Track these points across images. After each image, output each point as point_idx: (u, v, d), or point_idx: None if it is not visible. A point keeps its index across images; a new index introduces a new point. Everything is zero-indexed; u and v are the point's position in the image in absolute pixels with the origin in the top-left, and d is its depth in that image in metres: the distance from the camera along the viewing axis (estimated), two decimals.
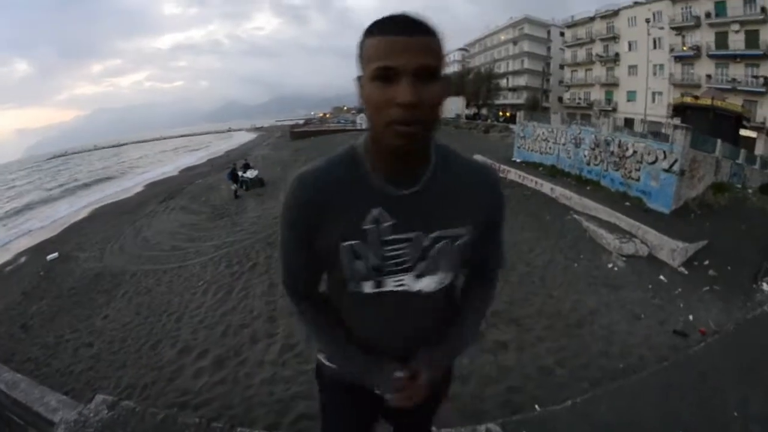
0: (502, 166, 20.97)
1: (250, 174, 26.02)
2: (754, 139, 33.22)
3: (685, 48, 40.13)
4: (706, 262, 11.23)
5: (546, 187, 17.59)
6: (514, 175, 20.02)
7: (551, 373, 7.27)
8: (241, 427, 4.99)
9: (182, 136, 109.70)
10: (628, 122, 42.28)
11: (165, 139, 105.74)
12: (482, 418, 5.60)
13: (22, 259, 21.42)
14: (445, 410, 2.03)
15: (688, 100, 29.95)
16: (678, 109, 30.48)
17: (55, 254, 19.52)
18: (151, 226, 22.10)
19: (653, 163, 14.13)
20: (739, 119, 28.13)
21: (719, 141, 15.69)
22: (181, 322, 10.56)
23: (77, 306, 13.21)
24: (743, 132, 29.63)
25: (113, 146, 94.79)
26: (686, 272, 11.14)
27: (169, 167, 52.82)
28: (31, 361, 10.21)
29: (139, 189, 38.03)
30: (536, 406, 5.93)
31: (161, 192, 31.71)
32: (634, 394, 5.09)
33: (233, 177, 24.69)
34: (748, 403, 4.73)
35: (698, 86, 37.83)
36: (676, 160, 13.31)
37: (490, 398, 6.65)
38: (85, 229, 25.58)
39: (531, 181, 18.70)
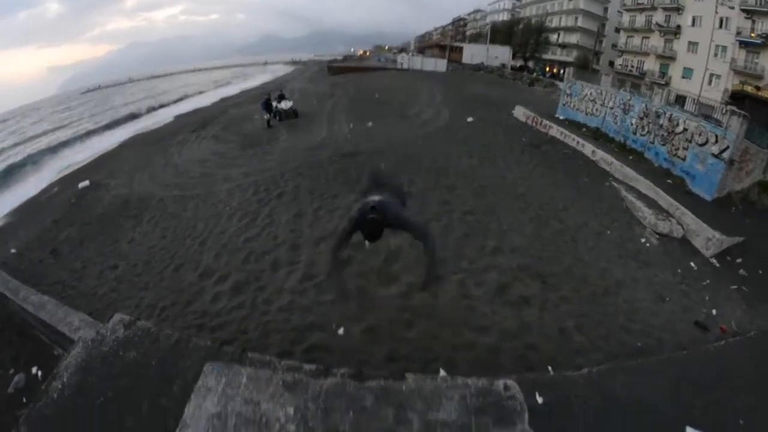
0: (544, 121, 20.46)
1: (285, 105, 25.56)
2: None
3: (753, 35, 36.35)
4: (739, 260, 10.66)
5: (588, 148, 16.99)
6: (555, 131, 19.43)
7: (570, 338, 6.98)
8: (252, 352, 4.84)
9: (217, 68, 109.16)
10: (680, 99, 38.91)
11: (200, 71, 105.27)
12: (497, 372, 5.37)
13: (56, 189, 21.87)
14: None
15: (749, 89, 27.75)
16: (736, 97, 28.32)
17: (86, 182, 19.79)
18: (182, 154, 22.16)
19: (703, 145, 13.30)
20: None
21: None
22: (204, 246, 10.47)
23: (105, 231, 13.37)
24: None
25: (147, 78, 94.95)
26: (717, 265, 10.62)
27: (202, 98, 52.55)
28: (59, 284, 10.37)
29: (171, 119, 37.95)
30: (549, 368, 5.80)
31: (193, 122, 31.59)
32: (648, 376, 5.20)
33: (267, 107, 24.28)
34: (755, 413, 4.74)
35: (761, 77, 34.50)
36: (727, 147, 12.46)
37: (507, 352, 6.40)
38: (117, 158, 25.85)
39: (572, 140, 18.08)
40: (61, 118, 54.19)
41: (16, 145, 39.17)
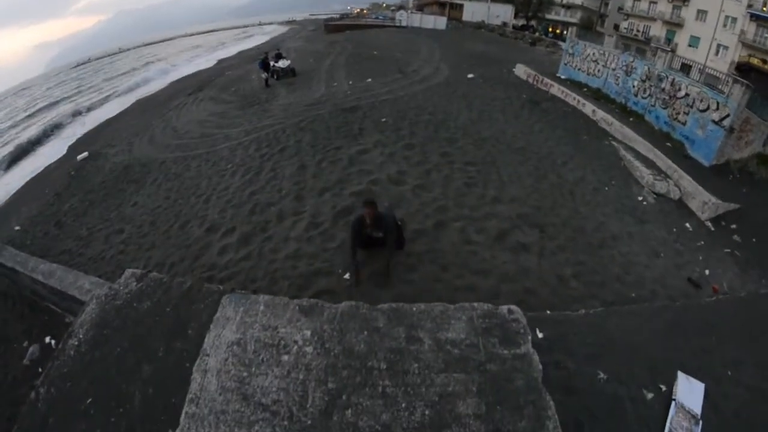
0: (545, 80, 20.34)
1: (282, 64, 25.23)
2: None
3: (765, 9, 35.36)
4: (734, 226, 10.80)
5: (588, 108, 16.99)
6: (556, 89, 19.35)
7: (567, 285, 7.19)
8: (264, 293, 5.02)
9: (209, 31, 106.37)
10: (685, 68, 37.88)
11: (192, 35, 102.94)
12: None
13: (54, 163, 21.93)
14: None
15: (756, 61, 27.08)
16: (741, 69, 27.67)
17: (85, 153, 19.83)
18: (180, 117, 22.10)
19: (704, 111, 13.22)
20: None
21: None
22: (209, 203, 10.63)
23: (108, 198, 13.55)
24: None
25: (138, 47, 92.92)
26: (712, 228, 10.78)
27: (197, 62, 51.71)
28: (66, 253, 10.57)
29: (167, 84, 37.51)
30: (548, 312, 5.93)
31: (190, 85, 31.35)
32: (642, 321, 5.42)
33: (264, 66, 23.99)
34: (741, 367, 4.90)
35: None
36: (728, 115, 12.39)
37: (506, 295, 6.57)
38: (114, 126, 25.88)
39: (573, 98, 18.03)
40: (56, 94, 53.15)
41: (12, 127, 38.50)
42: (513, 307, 3.83)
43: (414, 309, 3.75)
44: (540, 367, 3.34)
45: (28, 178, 21.09)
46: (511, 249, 7.75)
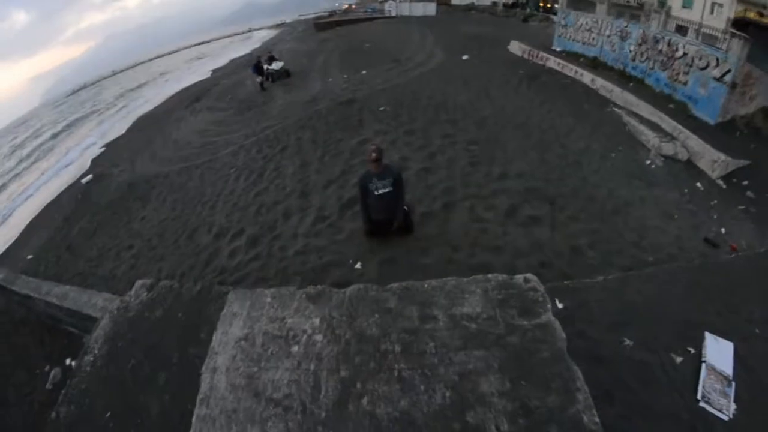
0: (541, 54, 20.06)
1: (276, 66, 25.24)
2: None
3: None
4: (746, 183, 10.45)
5: (587, 77, 16.70)
6: (552, 62, 19.05)
7: (582, 254, 6.99)
8: (275, 286, 4.92)
9: (201, 43, 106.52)
10: (681, 29, 36.86)
11: (184, 49, 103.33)
12: None
13: (61, 189, 22.04)
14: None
15: (752, 15, 26.31)
16: (739, 24, 26.64)
17: (89, 176, 20.08)
18: (180, 129, 22.18)
19: (704, 68, 12.85)
20: None
21: None
22: (215, 209, 10.59)
23: (115, 216, 13.57)
24: None
25: (131, 67, 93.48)
26: (724, 186, 10.45)
27: (191, 75, 51.65)
28: (79, 275, 10.54)
29: (164, 100, 37.51)
30: (566, 282, 5.69)
31: (186, 98, 31.39)
32: (663, 283, 5.27)
33: (258, 70, 24.01)
34: None
35: (765, 6, 32.76)
36: (729, 71, 12.00)
37: (521, 270, 6.31)
38: (116, 146, 26.06)
39: (571, 69, 17.72)
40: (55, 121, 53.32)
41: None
42: (529, 275, 3.67)
43: (426, 286, 3.61)
44: (564, 335, 3.15)
45: (39, 209, 21.21)
46: (522, 224, 7.58)
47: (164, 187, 14.03)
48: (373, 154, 6.22)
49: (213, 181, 12.34)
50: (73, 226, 14.48)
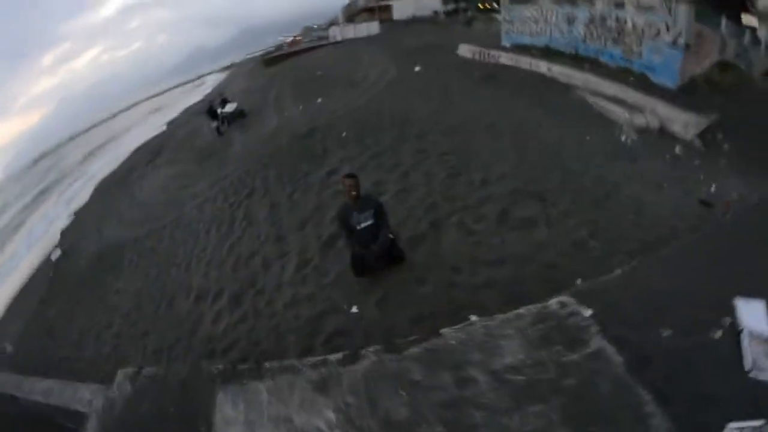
0: (491, 52, 19.98)
1: (230, 108, 24.65)
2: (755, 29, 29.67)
3: None
4: (720, 136, 10.33)
5: (542, 66, 16.55)
6: (505, 59, 18.94)
7: (586, 247, 6.58)
8: (269, 361, 4.37)
9: (153, 96, 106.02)
10: (619, 6, 37.66)
11: (137, 105, 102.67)
12: (523, 300, 4.78)
13: (34, 269, 20.96)
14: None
15: None
16: None
17: (58, 252, 19.14)
18: (143, 188, 21.40)
19: (656, 36, 12.95)
20: (743, 3, 25.32)
21: (724, 18, 13.69)
22: (190, 269, 9.99)
23: (90, 292, 12.74)
24: (745, 19, 26.46)
25: (88, 129, 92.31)
26: (701, 145, 10.32)
27: (148, 130, 50.70)
28: (65, 360, 9.89)
29: (123, 160, 36.37)
30: (578, 281, 5.31)
31: (146, 154, 30.60)
32: (680, 261, 4.94)
33: (212, 114, 23.55)
34: None
35: None
36: (680, 33, 12.14)
37: (530, 278, 5.98)
38: (82, 214, 25.03)
39: (525, 62, 17.62)
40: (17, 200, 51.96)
41: None
42: (564, 298, 3.21)
43: (451, 341, 3.08)
44: (620, 359, 2.79)
45: (14, 293, 19.94)
46: (516, 227, 7.16)
47: (135, 253, 13.27)
48: (351, 190, 5.88)
49: (183, 239, 11.70)
50: (49, 309, 13.59)
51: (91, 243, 17.33)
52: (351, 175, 6.07)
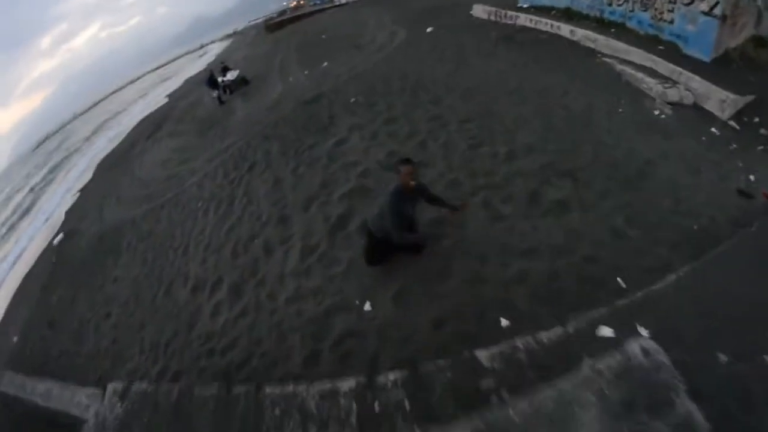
0: (509, 13, 18.68)
1: (231, 75, 23.93)
2: None
3: None
4: (756, 120, 9.41)
5: (564, 29, 15.34)
6: (523, 19, 17.64)
7: (624, 236, 5.77)
8: (271, 385, 4.10)
9: (156, 69, 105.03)
10: None
11: (139, 78, 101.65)
12: (561, 300, 4.70)
13: (37, 254, 20.33)
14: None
15: None
16: None
17: (60, 235, 18.56)
18: (143, 164, 20.75)
19: (689, 4, 11.78)
20: None
21: None
22: (187, 254, 9.29)
23: (90, 278, 12.22)
24: None
25: (91, 107, 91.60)
26: (737, 127, 9.39)
27: (148, 104, 49.90)
28: (64, 354, 9.39)
29: (125, 135, 35.74)
30: (619, 279, 4.87)
31: (147, 127, 29.88)
32: (730, 264, 4.79)
33: (212, 83, 22.74)
34: None
35: None
36: (717, 3, 11.01)
37: (565, 274, 5.19)
38: (82, 195, 24.53)
39: (545, 24, 16.37)
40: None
41: None
42: (645, 342, 2.40)
43: (514, 417, 2.25)
44: (707, 425, 2.35)
45: (19, 280, 19.41)
46: (549, 212, 6.27)
47: (133, 235, 12.63)
48: (411, 177, 5.12)
49: (181, 220, 10.94)
50: (51, 295, 13.11)
51: (92, 225, 16.85)
52: (408, 160, 5.22)
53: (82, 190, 26.34)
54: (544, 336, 4.08)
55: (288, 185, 9.16)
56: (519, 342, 4.06)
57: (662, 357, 2.35)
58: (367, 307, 5.38)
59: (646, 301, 4.25)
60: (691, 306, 4.11)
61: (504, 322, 4.63)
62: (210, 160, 13.81)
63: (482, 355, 4.01)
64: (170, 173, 15.76)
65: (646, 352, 2.31)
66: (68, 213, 23.10)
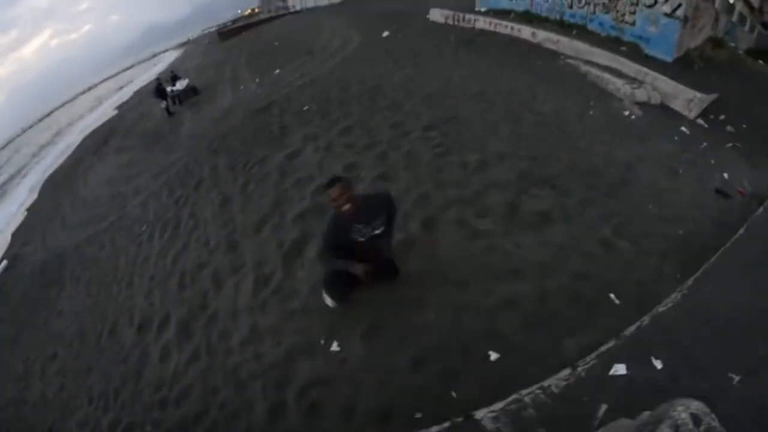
0: (467, 16, 18.63)
1: (180, 85, 23.15)
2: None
3: None
4: (722, 117, 10.02)
5: (525, 32, 15.43)
6: (482, 23, 17.62)
7: (613, 248, 5.39)
8: None
9: (107, 79, 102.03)
10: None
11: (90, 89, 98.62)
12: (554, 326, 4.36)
13: None
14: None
15: None
16: None
17: (4, 263, 17.23)
18: (88, 182, 19.70)
19: (652, 6, 12.25)
20: None
21: None
22: (132, 286, 8.43)
23: (34, 312, 11.25)
24: None
25: (41, 119, 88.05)
26: (705, 126, 9.89)
27: (97, 115, 48.19)
28: (10, 404, 8.59)
29: (73, 149, 34.02)
30: (612, 296, 4.58)
31: (93, 142, 28.66)
32: (729, 272, 4.60)
33: (160, 93, 21.78)
34: None
35: None
36: (680, 5, 11.48)
37: (555, 296, 4.72)
38: (30, 216, 22.98)
39: (505, 27, 16.42)
40: None
41: None
42: (696, 406, 1.82)
43: None
44: None
45: None
46: (531, 225, 5.75)
47: (76, 263, 11.62)
48: (340, 200, 4.00)
49: (125, 246, 10.04)
50: None
51: (35, 250, 15.70)
52: (332, 182, 4.07)
53: (29, 210, 24.79)
54: (552, 384, 3.56)
55: (237, 205, 8.40)
56: (525, 396, 3.50)
57: (712, 421, 1.80)
58: (334, 347, 4.70)
59: (654, 327, 3.96)
60: (700, 327, 3.90)
61: (493, 355, 4.14)
62: (156, 176, 12.92)
63: (483, 415, 3.42)
64: (114, 192, 14.78)
65: (696, 420, 1.73)
66: (14, 235, 21.56)
